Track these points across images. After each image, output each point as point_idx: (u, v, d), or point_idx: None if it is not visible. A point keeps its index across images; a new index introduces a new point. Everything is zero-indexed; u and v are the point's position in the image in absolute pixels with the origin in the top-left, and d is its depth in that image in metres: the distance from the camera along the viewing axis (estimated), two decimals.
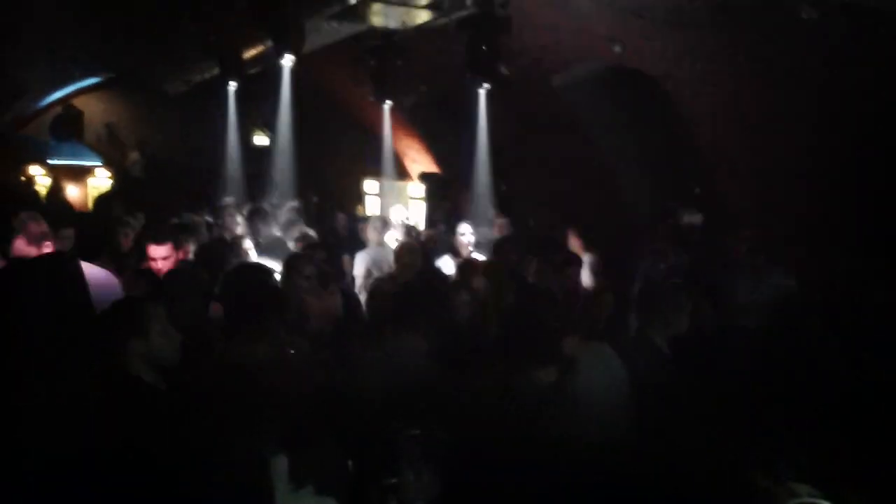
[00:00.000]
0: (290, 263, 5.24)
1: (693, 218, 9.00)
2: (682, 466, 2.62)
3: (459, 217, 11.58)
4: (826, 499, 1.89)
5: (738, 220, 8.21)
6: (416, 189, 14.35)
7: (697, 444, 3.31)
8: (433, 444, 2.41)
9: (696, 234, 8.44)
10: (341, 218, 11.97)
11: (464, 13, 8.82)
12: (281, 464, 2.33)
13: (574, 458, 3.16)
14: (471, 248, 7.88)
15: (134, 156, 17.29)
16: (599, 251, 7.82)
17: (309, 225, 9.18)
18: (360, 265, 7.54)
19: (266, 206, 9.93)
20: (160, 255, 5.64)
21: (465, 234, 7.96)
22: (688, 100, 8.62)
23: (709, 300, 5.07)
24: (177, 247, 6.00)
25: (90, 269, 4.40)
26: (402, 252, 6.63)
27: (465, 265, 6.37)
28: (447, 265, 7.28)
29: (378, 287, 5.47)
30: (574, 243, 8.12)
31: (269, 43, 9.43)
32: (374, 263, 7.42)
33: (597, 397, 3.51)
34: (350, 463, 2.62)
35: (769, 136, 7.63)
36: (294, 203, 9.94)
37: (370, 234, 8.23)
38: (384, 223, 8.48)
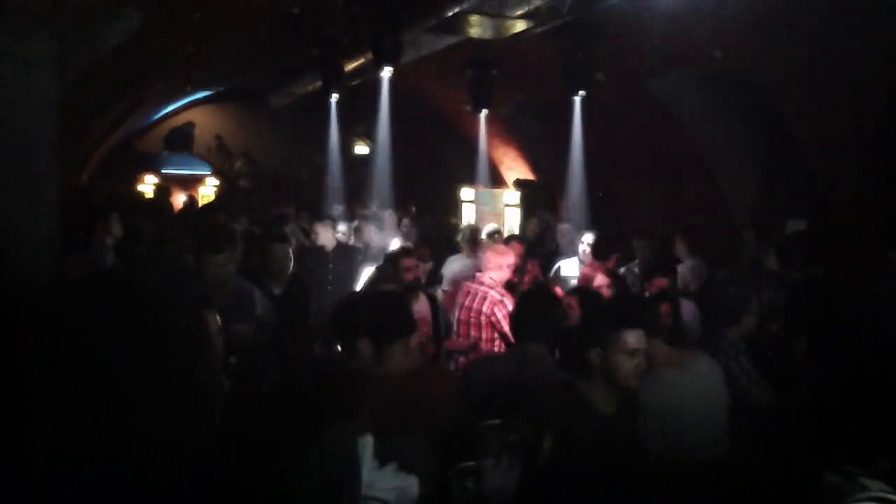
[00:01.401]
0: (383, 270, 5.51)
1: (798, 225, 8.80)
2: (758, 473, 2.65)
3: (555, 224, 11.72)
4: None
5: (844, 228, 7.98)
6: (512, 196, 14.43)
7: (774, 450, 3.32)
8: (512, 435, 2.52)
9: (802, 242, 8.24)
10: (434, 225, 12.23)
11: (559, 22, 8.88)
12: (367, 443, 2.50)
13: (665, 474, 3.22)
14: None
15: (240, 166, 18.05)
16: (704, 256, 7.79)
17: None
18: (447, 272, 7.71)
19: (367, 214, 10.28)
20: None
21: (585, 241, 7.97)
22: (790, 104, 8.45)
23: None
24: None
25: None
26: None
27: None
28: (570, 267, 7.44)
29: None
30: (680, 248, 8.10)
31: (370, 55, 9.73)
32: (462, 271, 7.52)
33: (667, 406, 3.51)
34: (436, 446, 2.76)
35: (871, 141, 7.41)
36: (390, 211, 10.24)
37: (461, 243, 8.43)
38: (474, 233, 8.63)
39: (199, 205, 15.70)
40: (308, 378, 2.54)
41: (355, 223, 9.65)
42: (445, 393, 3.31)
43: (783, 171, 9.23)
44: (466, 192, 15.35)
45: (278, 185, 17.12)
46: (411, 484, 2.57)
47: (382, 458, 2.57)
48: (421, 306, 5.65)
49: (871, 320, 5.28)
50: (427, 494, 2.70)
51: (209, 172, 18.11)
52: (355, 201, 12.59)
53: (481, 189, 14.38)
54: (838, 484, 2.12)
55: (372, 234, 9.07)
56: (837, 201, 8.33)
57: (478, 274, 6.17)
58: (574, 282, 7.00)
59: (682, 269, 7.49)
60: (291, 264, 5.79)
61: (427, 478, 2.73)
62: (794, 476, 2.52)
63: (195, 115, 17.73)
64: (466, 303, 5.91)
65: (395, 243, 8.26)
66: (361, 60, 10.83)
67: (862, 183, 7.90)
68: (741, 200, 9.91)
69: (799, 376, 3.96)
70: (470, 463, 2.62)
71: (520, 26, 9.55)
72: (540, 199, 13.73)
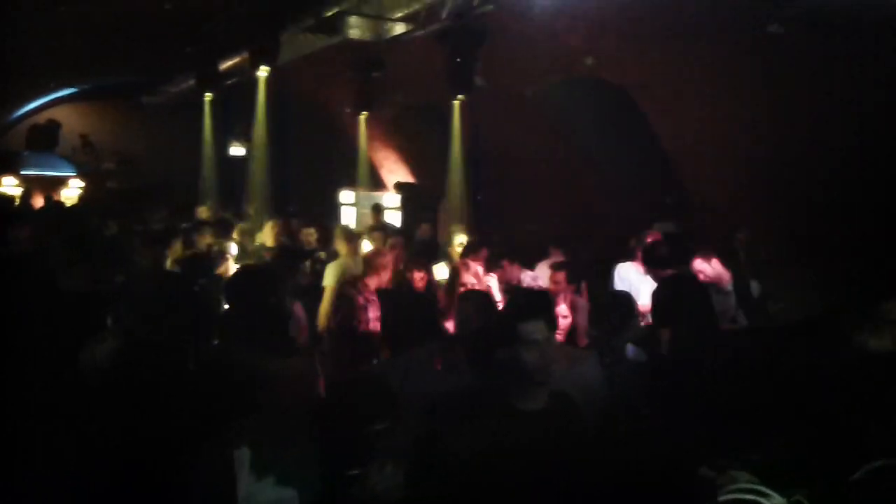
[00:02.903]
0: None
1: (666, 227, 9.14)
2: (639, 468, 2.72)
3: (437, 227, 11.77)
4: (763, 484, 1.98)
5: (710, 228, 8.34)
6: (392, 199, 14.38)
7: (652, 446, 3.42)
8: (397, 439, 2.48)
9: (668, 242, 8.55)
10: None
11: (439, 25, 8.91)
12: (244, 456, 2.40)
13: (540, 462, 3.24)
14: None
15: (108, 167, 17.24)
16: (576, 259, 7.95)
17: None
18: (330, 277, 7.48)
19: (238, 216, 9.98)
20: None
21: (460, 242, 8.00)
22: (660, 111, 8.77)
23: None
24: None
25: None
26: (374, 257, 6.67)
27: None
28: (441, 271, 7.37)
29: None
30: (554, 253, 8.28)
31: (246, 54, 9.48)
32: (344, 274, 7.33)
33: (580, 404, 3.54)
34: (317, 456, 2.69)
35: (740, 146, 7.78)
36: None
37: (338, 245, 8.19)
38: (351, 234, 8.45)
39: (62, 207, 14.85)
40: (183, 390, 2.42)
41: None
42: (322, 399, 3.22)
43: (651, 175, 9.58)
44: (346, 195, 15.20)
45: (150, 187, 16.43)
46: (291, 496, 2.47)
47: (262, 470, 2.47)
48: (298, 312, 5.52)
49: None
50: None
51: (74, 174, 17.18)
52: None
53: (361, 192, 14.28)
54: (712, 478, 2.19)
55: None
56: (703, 204, 8.72)
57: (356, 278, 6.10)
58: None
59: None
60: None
61: (310, 488, 2.65)
62: (670, 472, 2.59)
63: (61, 114, 16.80)
64: (346, 308, 5.81)
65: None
66: (237, 59, 10.54)
67: (725, 186, 8.28)
68: (614, 204, 10.23)
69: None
70: (354, 471, 2.56)
71: (399, 29, 9.53)
72: (421, 202, 13.75)
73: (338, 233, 8.42)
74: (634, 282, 6.83)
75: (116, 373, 3.17)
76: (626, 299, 4.57)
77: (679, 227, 8.83)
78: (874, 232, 5.86)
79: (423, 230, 11.06)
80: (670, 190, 9.16)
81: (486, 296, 5.24)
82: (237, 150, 17.29)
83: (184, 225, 9.26)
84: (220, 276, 6.36)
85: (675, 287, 5.42)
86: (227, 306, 4.33)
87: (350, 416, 3.19)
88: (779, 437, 3.11)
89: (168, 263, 6.73)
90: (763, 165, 7.46)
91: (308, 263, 8.13)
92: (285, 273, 5.75)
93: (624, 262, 7.08)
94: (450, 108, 10.54)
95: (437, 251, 9.59)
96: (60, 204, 15.14)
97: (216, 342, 3.87)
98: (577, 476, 3.13)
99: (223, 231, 8.47)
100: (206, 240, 8.08)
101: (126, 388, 3.05)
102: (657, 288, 5.59)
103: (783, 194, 7.10)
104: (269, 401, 2.76)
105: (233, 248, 7.88)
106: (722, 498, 1.96)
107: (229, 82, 11.49)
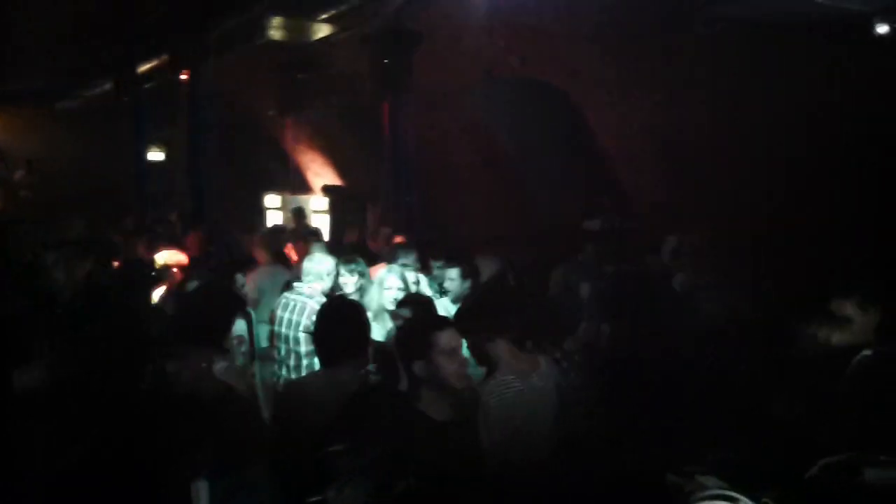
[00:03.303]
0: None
1: (594, 224, 9.22)
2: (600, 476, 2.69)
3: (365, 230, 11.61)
4: (732, 489, 1.97)
5: (645, 228, 8.44)
6: (320, 202, 14.15)
7: (611, 452, 3.41)
8: (356, 460, 2.39)
9: (601, 238, 8.62)
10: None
11: (368, 28, 8.80)
12: (202, 489, 2.28)
13: (496, 473, 3.20)
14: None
15: (20, 174, 16.49)
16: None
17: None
18: (251, 286, 7.13)
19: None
20: None
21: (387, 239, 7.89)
22: (591, 111, 8.85)
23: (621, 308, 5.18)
24: None
25: None
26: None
27: None
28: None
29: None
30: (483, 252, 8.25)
31: (166, 57, 9.20)
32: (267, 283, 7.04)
33: (519, 408, 3.49)
34: (279, 484, 2.58)
35: (670, 146, 7.90)
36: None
37: (257, 253, 7.86)
38: (274, 238, 8.13)
39: None
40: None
41: None
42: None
43: (586, 176, 9.66)
44: (271, 199, 14.90)
45: (67, 196, 15.76)
46: None
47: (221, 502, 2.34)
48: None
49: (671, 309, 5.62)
50: None
51: None
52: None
53: (287, 196, 14.02)
54: (679, 484, 2.17)
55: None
56: (637, 203, 8.83)
57: (295, 284, 5.89)
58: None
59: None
60: None
61: None
62: (636, 479, 2.57)
63: None
64: (286, 315, 5.62)
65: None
66: (156, 62, 10.22)
67: (658, 186, 8.39)
68: (547, 204, 10.28)
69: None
70: (318, 498, 2.46)
71: (325, 30, 9.38)
72: (349, 205, 13.57)
73: (258, 240, 8.10)
74: (572, 282, 6.86)
75: (49, 401, 2.99)
76: (574, 302, 4.56)
77: (614, 224, 8.93)
78: (812, 229, 6.01)
79: (350, 234, 10.84)
80: (604, 189, 9.25)
81: (427, 301, 5.15)
82: (156, 155, 16.78)
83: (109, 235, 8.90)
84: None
85: (618, 284, 5.44)
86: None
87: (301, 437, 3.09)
88: (735, 438, 3.14)
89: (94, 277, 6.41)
90: (695, 162, 7.58)
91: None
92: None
93: (561, 261, 7.10)
94: (377, 109, 10.42)
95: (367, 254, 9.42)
96: None
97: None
98: (542, 485, 3.10)
99: (152, 242, 8.09)
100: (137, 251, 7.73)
101: (62, 417, 2.87)
102: (601, 285, 5.60)
103: (716, 191, 7.23)
104: (219, 428, 2.63)
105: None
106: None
107: (148, 85, 11.15)
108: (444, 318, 3.30)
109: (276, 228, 9.86)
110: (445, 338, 3.16)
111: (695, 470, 2.21)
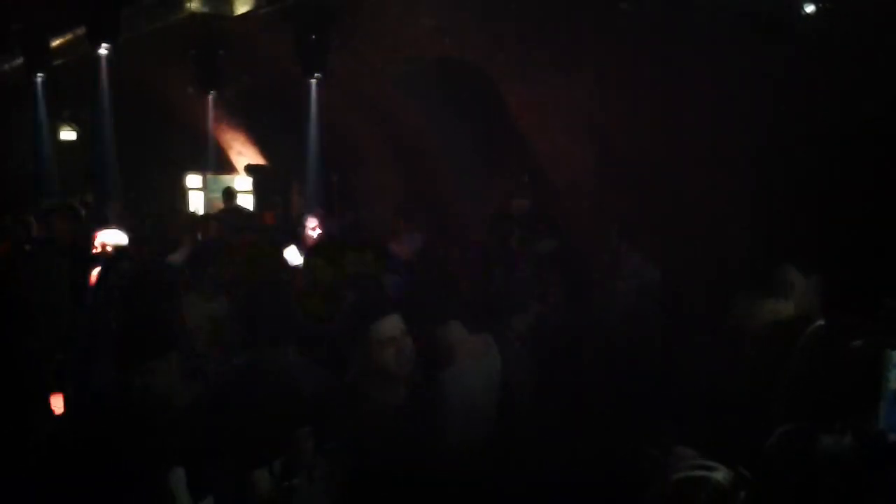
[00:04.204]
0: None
1: (521, 206, 9.35)
2: (558, 457, 2.77)
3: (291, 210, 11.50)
4: (709, 460, 2.04)
5: (568, 210, 8.58)
6: (243, 182, 13.91)
7: (581, 430, 3.49)
8: (324, 441, 2.42)
9: (526, 220, 8.75)
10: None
11: (288, 2, 8.68)
12: (178, 477, 2.26)
13: (443, 456, 3.24)
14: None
15: None
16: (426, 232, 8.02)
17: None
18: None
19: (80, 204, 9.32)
20: None
21: (313, 226, 7.83)
22: (511, 89, 8.92)
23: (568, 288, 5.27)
24: None
25: None
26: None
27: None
28: (293, 256, 7.13)
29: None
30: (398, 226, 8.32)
31: (80, 31, 8.88)
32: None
33: (477, 391, 3.51)
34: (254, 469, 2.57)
35: (589, 127, 8.04)
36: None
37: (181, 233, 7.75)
38: (193, 222, 8.01)
39: None
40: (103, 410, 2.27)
41: None
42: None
43: (508, 157, 9.75)
44: (193, 179, 14.58)
45: None
46: None
47: (198, 491, 2.34)
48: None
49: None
50: None
51: None
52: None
53: (209, 175, 13.74)
54: (656, 456, 2.23)
55: None
56: (558, 185, 8.96)
57: None
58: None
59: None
60: None
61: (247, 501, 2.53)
62: (612, 452, 2.65)
63: None
64: None
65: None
66: (70, 36, 9.86)
67: (579, 170, 8.53)
68: (469, 185, 10.34)
69: None
70: (291, 481, 2.47)
71: (246, 5, 9.22)
72: (273, 185, 13.40)
73: (179, 219, 7.97)
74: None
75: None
76: (524, 281, 4.61)
77: (534, 205, 9.06)
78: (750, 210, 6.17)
79: (268, 217, 10.60)
80: (526, 169, 9.36)
81: (370, 286, 5.12)
82: (68, 135, 16.20)
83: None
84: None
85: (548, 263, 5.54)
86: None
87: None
88: (695, 414, 3.25)
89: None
90: (618, 144, 7.74)
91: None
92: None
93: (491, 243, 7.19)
94: (302, 87, 10.31)
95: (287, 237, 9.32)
96: None
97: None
98: (522, 470, 3.16)
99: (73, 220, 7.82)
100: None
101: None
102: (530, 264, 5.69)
103: (637, 173, 7.40)
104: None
105: None
106: (675, 476, 1.96)
107: (59, 61, 10.74)
108: (387, 303, 3.27)
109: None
110: (384, 326, 3.11)
111: (671, 442, 2.29)
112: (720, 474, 1.89)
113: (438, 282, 4.69)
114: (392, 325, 3.13)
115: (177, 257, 6.92)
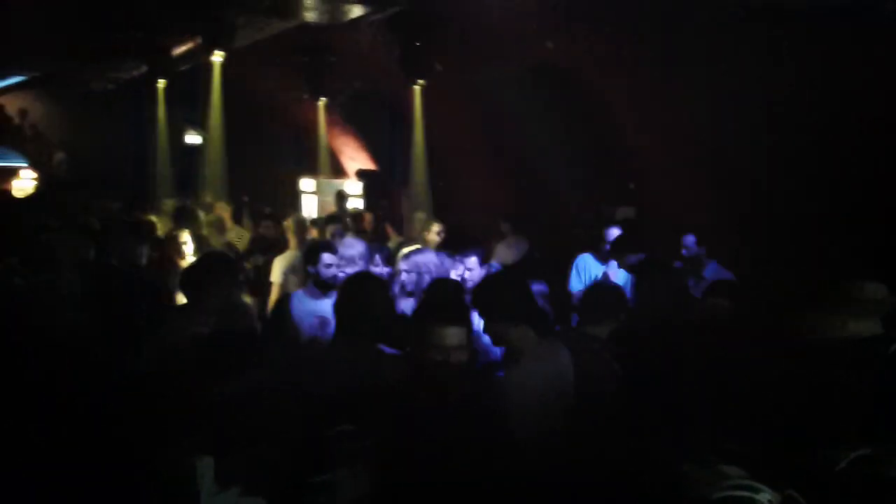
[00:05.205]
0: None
1: (626, 212, 9.11)
2: (613, 468, 2.62)
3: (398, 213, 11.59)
4: (754, 479, 1.89)
5: (668, 217, 8.30)
6: (354, 187, 14.19)
7: (629, 443, 3.32)
8: (363, 440, 2.35)
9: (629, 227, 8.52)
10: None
11: (395, 10, 8.75)
12: (206, 465, 2.26)
13: (504, 458, 3.13)
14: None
15: (59, 157, 16.77)
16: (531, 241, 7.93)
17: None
18: (276, 271, 7.05)
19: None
20: None
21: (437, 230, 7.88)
22: (612, 97, 8.72)
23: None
24: None
25: None
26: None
27: None
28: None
29: None
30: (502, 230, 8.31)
31: (199, 39, 9.23)
32: (292, 268, 6.91)
33: (540, 395, 3.42)
34: (283, 462, 2.55)
35: (689, 136, 7.77)
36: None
37: (289, 236, 7.89)
38: (303, 225, 8.14)
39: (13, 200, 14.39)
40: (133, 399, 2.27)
41: None
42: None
43: (607, 165, 9.51)
44: (306, 183, 14.98)
45: (103, 178, 16.00)
46: None
47: (225, 480, 2.32)
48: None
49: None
50: None
51: (25, 164, 16.68)
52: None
53: (322, 179, 14.07)
54: (698, 473, 2.10)
55: None
56: (657, 193, 8.68)
57: None
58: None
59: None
60: None
61: (277, 497, 2.51)
62: (652, 468, 2.50)
63: (7, 103, 16.31)
64: None
65: None
66: (190, 44, 10.28)
67: (678, 176, 8.24)
68: (568, 193, 10.15)
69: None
70: (323, 476, 2.43)
71: (356, 12, 9.34)
72: (381, 189, 13.60)
73: (289, 224, 8.12)
74: (594, 272, 6.77)
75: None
76: (616, 289, 4.50)
77: (638, 214, 8.82)
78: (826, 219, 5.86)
79: (367, 220, 10.64)
80: (628, 178, 9.12)
81: (455, 286, 5.06)
82: (193, 139, 16.94)
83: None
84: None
85: (643, 273, 5.34)
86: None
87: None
88: (756, 430, 3.05)
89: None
90: (717, 157, 7.45)
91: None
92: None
93: (582, 252, 7.02)
94: (408, 94, 10.39)
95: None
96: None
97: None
98: (550, 477, 3.05)
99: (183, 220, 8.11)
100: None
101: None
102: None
103: (735, 183, 7.10)
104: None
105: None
106: (715, 495, 1.85)
107: (183, 68, 11.22)
108: (450, 312, 3.19)
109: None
110: (442, 334, 3.02)
111: (716, 460, 2.15)
112: (766, 496, 1.76)
113: (524, 285, 4.58)
114: (447, 334, 3.05)
115: (287, 258, 7.13)
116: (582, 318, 4.63)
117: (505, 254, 7.45)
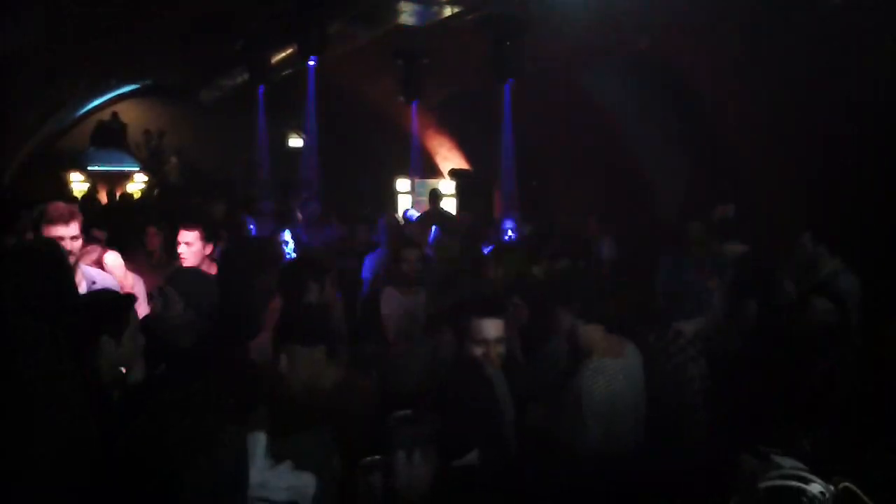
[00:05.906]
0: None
1: (727, 210, 8.88)
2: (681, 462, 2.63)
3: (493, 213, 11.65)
4: (810, 472, 1.88)
5: (770, 215, 8.08)
6: (448, 186, 14.34)
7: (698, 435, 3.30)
8: (424, 427, 2.41)
9: (730, 227, 8.31)
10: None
11: (486, 11, 8.80)
12: (260, 441, 2.36)
13: (573, 455, 3.16)
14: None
15: (172, 161, 17.59)
16: (618, 236, 7.89)
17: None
18: (367, 269, 7.29)
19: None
20: (185, 240, 5.55)
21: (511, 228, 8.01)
22: (715, 93, 8.52)
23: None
24: (207, 238, 5.80)
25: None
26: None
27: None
28: None
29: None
30: (593, 228, 8.32)
31: (296, 46, 9.52)
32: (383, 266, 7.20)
33: (607, 392, 3.42)
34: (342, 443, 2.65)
35: (792, 132, 7.53)
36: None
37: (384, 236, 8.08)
38: (396, 225, 8.33)
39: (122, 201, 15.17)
40: (199, 378, 2.40)
41: None
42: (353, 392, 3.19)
43: (710, 160, 9.30)
44: (402, 183, 15.23)
45: (211, 182, 16.70)
46: (307, 482, 2.44)
47: (279, 456, 2.44)
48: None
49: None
50: (330, 492, 2.58)
51: (137, 169, 17.59)
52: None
53: (417, 180, 14.27)
54: (753, 465, 2.11)
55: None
56: (762, 190, 8.44)
57: None
58: None
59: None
60: None
61: (330, 475, 2.61)
62: (711, 461, 2.50)
63: (122, 111, 17.22)
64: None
65: None
66: (289, 51, 10.61)
67: (784, 172, 8.00)
68: (669, 189, 9.98)
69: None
70: (376, 457, 2.51)
71: (448, 12, 9.45)
72: (476, 189, 13.69)
73: (385, 222, 8.34)
74: (683, 270, 6.65)
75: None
76: (704, 287, 4.45)
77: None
78: None
79: (463, 218, 10.73)
80: (724, 175, 8.89)
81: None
82: (296, 142, 17.48)
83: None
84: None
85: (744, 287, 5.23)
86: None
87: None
88: (824, 425, 2.99)
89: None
90: (822, 144, 7.19)
91: None
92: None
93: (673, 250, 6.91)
94: (501, 94, 10.46)
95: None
96: (125, 198, 15.51)
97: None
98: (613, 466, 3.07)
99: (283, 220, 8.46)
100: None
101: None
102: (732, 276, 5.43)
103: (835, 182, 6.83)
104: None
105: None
106: (763, 483, 1.88)
107: (283, 74, 11.60)
108: (491, 304, 3.28)
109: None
110: (484, 327, 3.16)
111: (771, 451, 2.14)
112: (817, 487, 1.76)
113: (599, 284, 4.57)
114: (488, 326, 3.12)
115: (379, 256, 7.33)
116: (669, 314, 4.58)
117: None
